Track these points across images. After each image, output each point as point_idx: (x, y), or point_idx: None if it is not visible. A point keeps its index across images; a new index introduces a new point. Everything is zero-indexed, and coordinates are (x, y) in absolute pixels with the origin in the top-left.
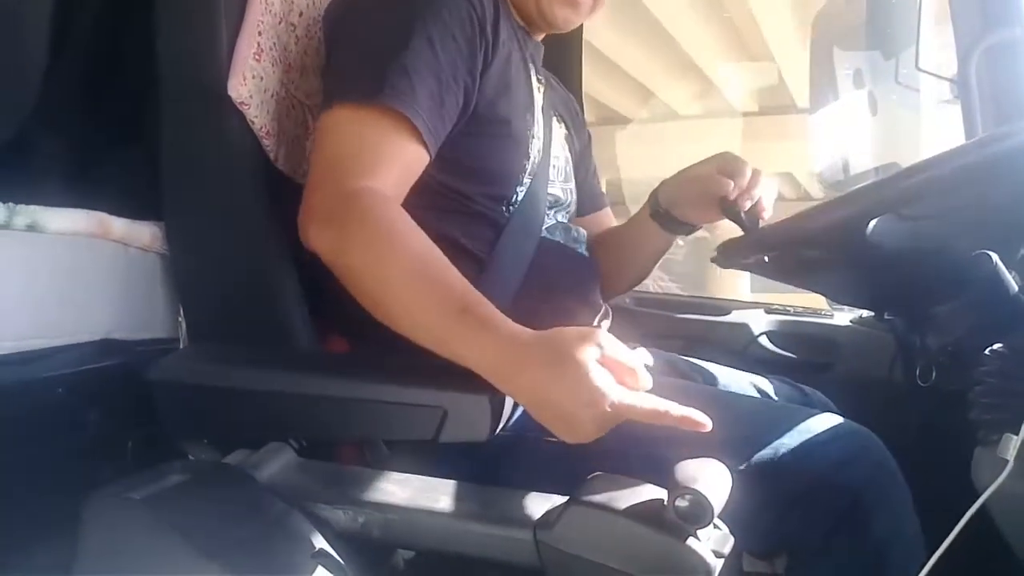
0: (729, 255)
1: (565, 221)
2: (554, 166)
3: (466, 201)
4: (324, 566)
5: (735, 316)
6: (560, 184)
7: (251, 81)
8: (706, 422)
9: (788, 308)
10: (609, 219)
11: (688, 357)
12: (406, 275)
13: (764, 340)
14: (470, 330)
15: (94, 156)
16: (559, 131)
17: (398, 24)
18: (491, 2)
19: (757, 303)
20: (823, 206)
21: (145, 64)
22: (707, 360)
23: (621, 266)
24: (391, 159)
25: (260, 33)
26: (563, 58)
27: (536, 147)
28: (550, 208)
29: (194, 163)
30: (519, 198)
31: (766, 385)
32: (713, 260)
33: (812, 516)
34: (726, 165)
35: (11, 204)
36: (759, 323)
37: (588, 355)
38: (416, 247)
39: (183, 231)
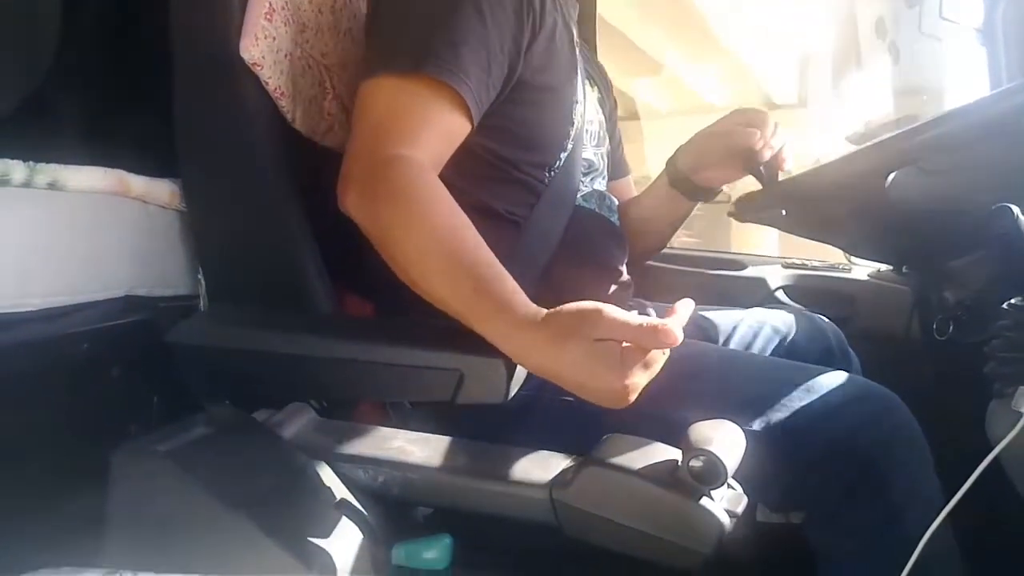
0: (747, 209)
1: (601, 188)
2: (587, 131)
3: (509, 168)
4: (347, 517)
5: (752, 271)
6: (593, 149)
7: (263, 41)
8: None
9: (805, 262)
10: (630, 188)
11: (703, 309)
12: (430, 248)
13: (781, 294)
14: (483, 309)
15: (112, 114)
16: (592, 94)
17: None
18: None
19: (774, 257)
20: (843, 159)
21: (161, 23)
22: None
23: (639, 236)
24: (432, 127)
25: None
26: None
27: (579, 112)
28: (585, 174)
29: (208, 125)
30: (560, 164)
31: (780, 320)
32: (730, 214)
33: (830, 477)
34: (748, 117)
35: (31, 163)
36: (776, 277)
37: (584, 335)
38: (444, 219)
39: (200, 192)
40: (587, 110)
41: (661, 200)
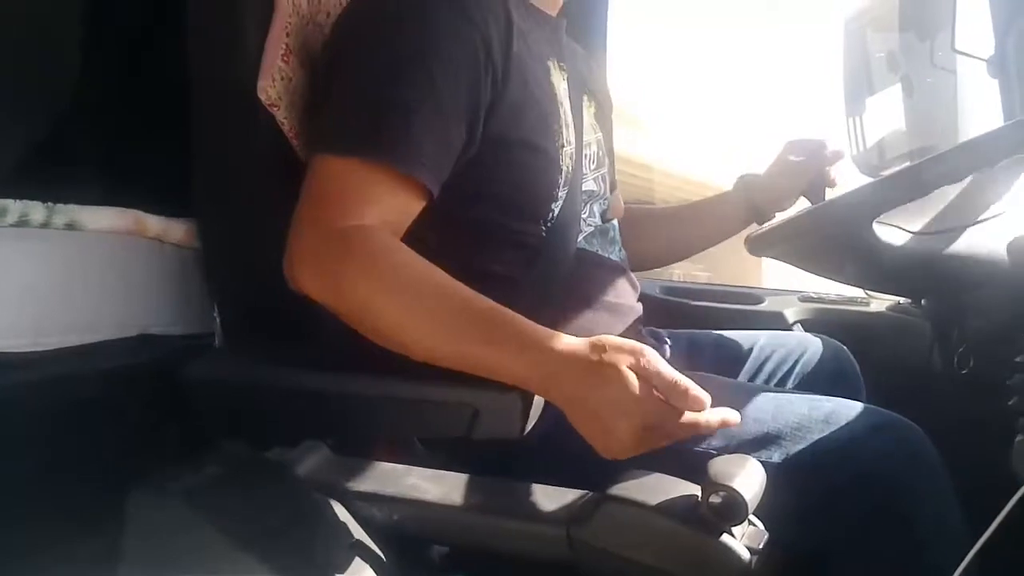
0: (762, 244)
1: (599, 220)
2: (586, 155)
3: (501, 230)
4: (361, 557)
5: (769, 304)
6: (592, 175)
7: (279, 83)
8: (736, 417)
9: (823, 296)
10: (619, 204)
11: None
12: (421, 313)
13: (798, 328)
14: (500, 354)
15: (129, 155)
16: (589, 112)
17: (396, 59)
18: (501, 9)
19: (791, 291)
20: (851, 193)
21: (178, 64)
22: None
23: (674, 248)
24: (385, 203)
25: (288, 34)
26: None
27: (568, 153)
28: (586, 203)
29: (225, 163)
30: (555, 215)
31: (793, 343)
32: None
33: (852, 510)
34: (808, 145)
35: (50, 204)
36: (793, 311)
37: (622, 362)
38: (425, 279)
39: (214, 230)
40: (585, 133)
41: (723, 226)
